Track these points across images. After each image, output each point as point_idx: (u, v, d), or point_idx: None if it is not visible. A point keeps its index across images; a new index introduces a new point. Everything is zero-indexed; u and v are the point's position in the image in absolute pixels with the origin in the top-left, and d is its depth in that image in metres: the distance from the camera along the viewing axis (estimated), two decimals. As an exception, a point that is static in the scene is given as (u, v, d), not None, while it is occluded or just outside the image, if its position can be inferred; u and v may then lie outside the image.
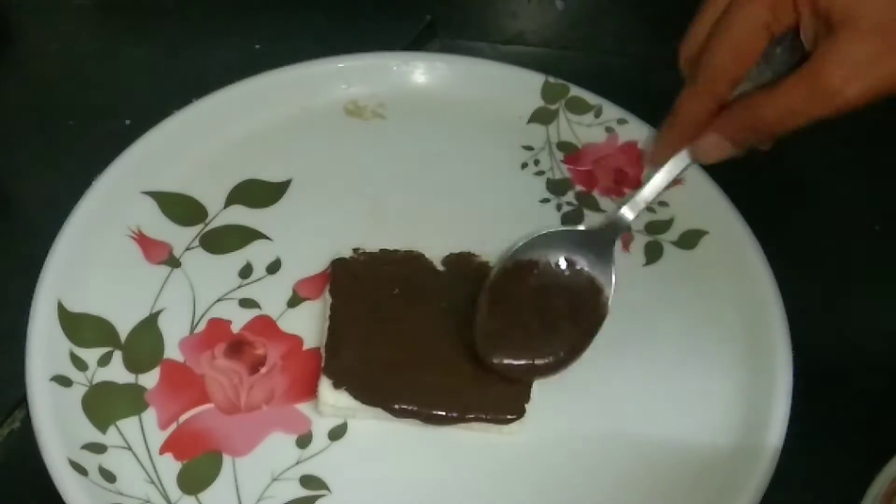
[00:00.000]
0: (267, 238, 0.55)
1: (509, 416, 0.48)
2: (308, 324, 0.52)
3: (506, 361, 0.48)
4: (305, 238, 0.55)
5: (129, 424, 0.48)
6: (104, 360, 0.50)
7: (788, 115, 0.46)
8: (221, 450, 0.48)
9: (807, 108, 0.45)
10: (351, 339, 0.49)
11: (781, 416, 0.49)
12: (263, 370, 0.50)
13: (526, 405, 0.48)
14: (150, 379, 0.50)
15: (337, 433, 0.49)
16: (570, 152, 0.60)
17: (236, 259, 0.54)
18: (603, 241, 0.52)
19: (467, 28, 0.69)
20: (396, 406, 0.48)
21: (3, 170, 0.61)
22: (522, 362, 0.49)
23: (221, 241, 0.55)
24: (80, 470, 0.46)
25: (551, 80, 0.62)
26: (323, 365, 0.49)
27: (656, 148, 0.54)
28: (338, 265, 0.52)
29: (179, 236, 0.55)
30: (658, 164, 0.53)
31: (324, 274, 0.53)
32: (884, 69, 0.43)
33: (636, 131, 0.60)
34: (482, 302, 0.50)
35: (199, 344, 0.51)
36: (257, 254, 0.54)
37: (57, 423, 0.47)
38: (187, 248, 0.54)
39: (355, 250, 0.53)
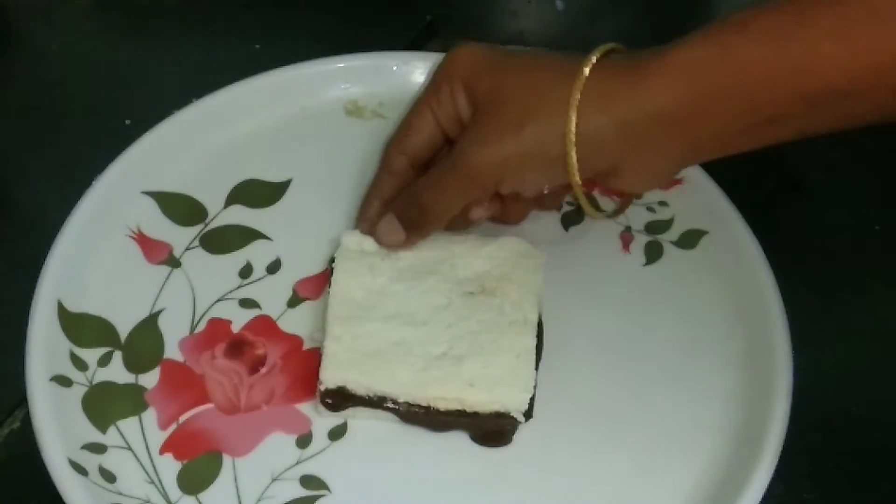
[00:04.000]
0: (267, 238, 0.55)
1: (518, 420, 0.48)
2: (308, 324, 0.52)
3: None
4: (305, 238, 0.55)
5: (129, 424, 0.48)
6: (104, 360, 0.50)
7: (439, 191, 0.48)
8: (221, 450, 0.48)
9: (448, 180, 0.48)
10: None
11: (781, 416, 0.48)
12: (263, 370, 0.50)
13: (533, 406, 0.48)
14: (150, 379, 0.50)
15: (337, 433, 0.49)
16: (570, 152, 0.60)
17: (236, 259, 0.54)
18: None
19: (467, 28, 0.69)
20: (401, 406, 0.48)
21: (4, 170, 0.61)
22: None
23: (221, 241, 0.55)
24: (80, 470, 0.46)
25: (551, 80, 0.62)
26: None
27: (358, 217, 0.54)
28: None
29: (179, 236, 0.55)
30: (362, 231, 0.53)
31: (324, 274, 0.53)
32: (507, 145, 0.46)
33: (636, 131, 0.60)
34: None
35: (199, 344, 0.51)
36: (257, 254, 0.54)
37: (57, 423, 0.47)
38: (187, 248, 0.54)
39: None
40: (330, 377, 0.48)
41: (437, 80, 0.51)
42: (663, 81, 0.43)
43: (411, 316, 0.50)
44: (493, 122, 0.46)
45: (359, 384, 0.48)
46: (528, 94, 0.46)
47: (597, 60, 0.45)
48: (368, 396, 0.48)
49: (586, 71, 0.44)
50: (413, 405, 0.48)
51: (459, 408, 0.48)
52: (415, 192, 0.50)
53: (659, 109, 0.43)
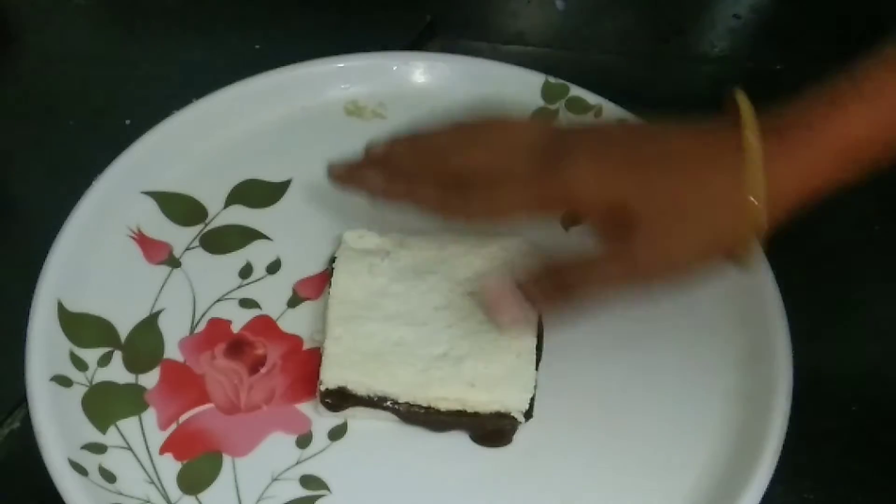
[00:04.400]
0: (267, 238, 0.55)
1: (518, 420, 0.48)
2: (308, 324, 0.52)
3: None
4: (305, 238, 0.55)
5: (129, 424, 0.48)
6: (104, 360, 0.50)
7: (599, 282, 0.46)
8: (221, 450, 0.48)
9: (617, 278, 0.46)
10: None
11: (781, 416, 0.48)
12: (263, 370, 0.50)
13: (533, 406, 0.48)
14: (150, 379, 0.50)
15: (337, 433, 0.49)
16: (570, 152, 0.60)
17: (236, 259, 0.54)
18: None
19: (467, 28, 0.69)
20: (401, 406, 0.48)
21: (4, 170, 0.61)
22: None
23: (221, 241, 0.55)
24: (80, 470, 0.46)
25: (551, 80, 0.62)
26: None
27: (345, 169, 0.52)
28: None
29: (179, 236, 0.55)
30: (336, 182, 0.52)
31: (324, 274, 0.53)
32: (694, 258, 0.45)
33: (636, 131, 0.60)
34: None
35: (199, 344, 0.51)
36: (257, 254, 0.54)
37: (57, 423, 0.47)
38: (187, 248, 0.54)
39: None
40: (330, 377, 0.48)
41: (550, 201, 0.47)
42: (829, 168, 0.44)
43: (411, 316, 0.50)
44: (672, 233, 0.45)
45: (359, 384, 0.48)
46: (699, 199, 0.45)
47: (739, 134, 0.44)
48: (369, 396, 0.48)
49: (755, 185, 0.43)
50: (413, 405, 0.48)
51: (460, 408, 0.48)
52: (566, 273, 0.46)
53: (819, 192, 0.45)
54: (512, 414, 0.48)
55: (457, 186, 0.48)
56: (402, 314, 0.50)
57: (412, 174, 0.49)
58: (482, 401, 0.48)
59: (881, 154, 0.44)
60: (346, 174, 0.51)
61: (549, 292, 0.47)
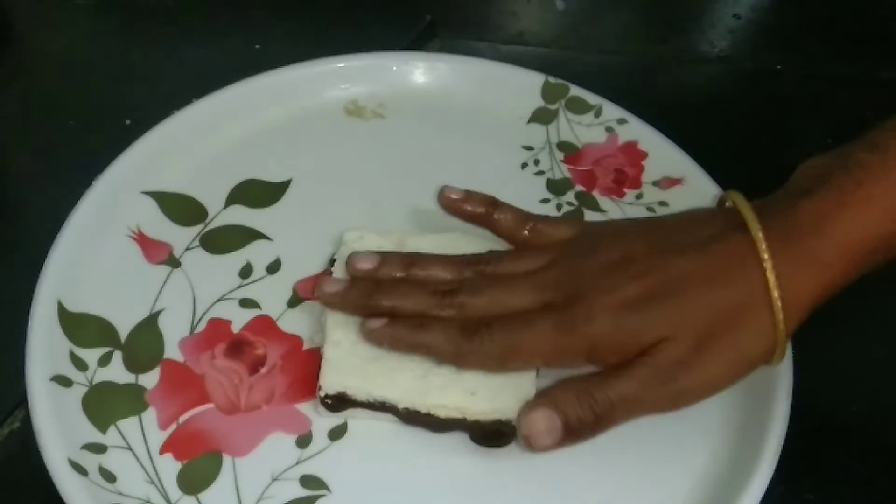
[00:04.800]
0: (267, 238, 0.55)
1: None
2: (308, 324, 0.52)
3: None
4: (305, 238, 0.55)
5: (129, 424, 0.48)
6: (104, 360, 0.50)
7: (629, 397, 0.45)
8: (221, 450, 0.48)
9: (657, 403, 0.46)
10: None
11: (781, 416, 0.48)
12: (263, 370, 0.50)
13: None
14: (150, 379, 0.50)
15: (337, 433, 0.49)
16: (570, 152, 0.60)
17: (236, 259, 0.54)
18: None
19: (467, 28, 0.70)
20: (400, 411, 0.48)
21: (3, 170, 0.61)
22: None
23: (221, 241, 0.55)
24: (80, 470, 0.46)
25: (551, 80, 0.62)
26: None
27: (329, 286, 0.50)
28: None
29: (179, 236, 0.55)
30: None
31: (324, 274, 0.53)
32: (729, 378, 0.46)
33: (636, 131, 0.60)
34: None
35: (199, 344, 0.51)
36: (257, 254, 0.54)
37: (57, 423, 0.47)
38: (187, 248, 0.54)
39: None
40: (329, 383, 0.48)
41: (570, 356, 0.47)
42: (842, 266, 0.45)
43: None
44: (706, 360, 0.45)
45: (359, 389, 0.48)
46: (725, 321, 0.45)
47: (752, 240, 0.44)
48: (368, 401, 0.48)
49: (777, 297, 0.44)
50: (413, 410, 0.48)
51: (460, 416, 0.48)
52: (603, 384, 0.46)
53: (836, 287, 0.45)
54: (513, 423, 0.47)
55: (462, 329, 0.47)
56: None
57: (414, 315, 0.48)
58: (482, 410, 0.47)
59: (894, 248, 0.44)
60: (340, 302, 0.50)
61: (585, 424, 0.46)
